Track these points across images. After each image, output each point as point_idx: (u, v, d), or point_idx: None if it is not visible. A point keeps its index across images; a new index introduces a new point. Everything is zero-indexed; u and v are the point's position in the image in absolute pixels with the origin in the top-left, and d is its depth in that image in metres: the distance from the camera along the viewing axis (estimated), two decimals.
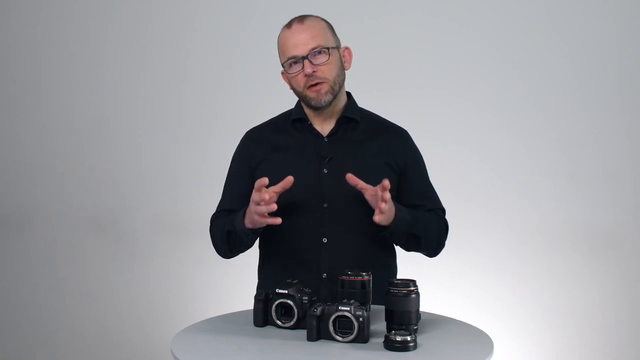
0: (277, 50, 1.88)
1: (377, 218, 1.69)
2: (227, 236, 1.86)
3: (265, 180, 1.68)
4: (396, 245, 1.93)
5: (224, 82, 3.29)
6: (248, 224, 1.75)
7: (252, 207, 1.71)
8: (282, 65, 1.87)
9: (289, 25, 1.85)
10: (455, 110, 3.08)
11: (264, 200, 1.67)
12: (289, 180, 1.72)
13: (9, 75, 3.53)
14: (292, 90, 1.90)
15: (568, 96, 3.02)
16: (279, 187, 1.72)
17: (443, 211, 1.98)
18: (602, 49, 2.99)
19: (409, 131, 2.00)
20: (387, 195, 1.67)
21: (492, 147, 3.07)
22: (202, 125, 3.31)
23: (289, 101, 1.96)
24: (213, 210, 2.00)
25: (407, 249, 1.91)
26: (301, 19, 1.85)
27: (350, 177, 1.73)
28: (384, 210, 1.68)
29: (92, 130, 3.43)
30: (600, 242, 3.00)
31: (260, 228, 1.77)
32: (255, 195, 1.69)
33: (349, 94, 1.96)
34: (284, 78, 1.90)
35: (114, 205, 3.42)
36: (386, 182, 1.66)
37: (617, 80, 2.99)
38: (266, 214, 1.68)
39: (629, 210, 2.99)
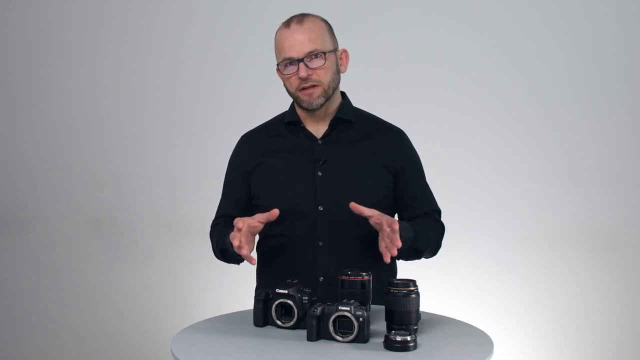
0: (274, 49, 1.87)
1: (388, 260, 1.64)
2: (222, 253, 1.86)
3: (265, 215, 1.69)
4: (398, 259, 1.90)
5: (224, 82, 3.28)
6: None
7: (234, 232, 1.66)
8: (277, 64, 1.84)
9: (287, 24, 1.81)
10: (455, 110, 3.08)
11: (238, 228, 1.64)
12: (274, 213, 1.70)
13: (9, 75, 3.53)
14: (284, 88, 1.88)
15: (569, 96, 3.02)
16: (264, 218, 1.70)
17: (438, 212, 1.96)
18: (603, 48, 2.99)
19: (408, 131, 1.98)
20: (399, 242, 1.61)
21: (492, 147, 3.07)
22: (202, 125, 3.30)
23: (288, 101, 1.95)
24: (213, 210, 2.00)
25: (407, 259, 1.87)
26: (300, 19, 1.81)
27: (354, 207, 1.69)
28: (394, 254, 1.64)
29: (92, 130, 3.43)
30: (601, 242, 3.00)
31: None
32: (237, 221, 1.66)
33: (343, 94, 1.93)
34: (278, 74, 1.88)
35: (114, 205, 3.42)
36: (395, 226, 1.63)
37: (618, 80, 2.98)
38: (242, 251, 1.65)
39: (630, 210, 2.98)
